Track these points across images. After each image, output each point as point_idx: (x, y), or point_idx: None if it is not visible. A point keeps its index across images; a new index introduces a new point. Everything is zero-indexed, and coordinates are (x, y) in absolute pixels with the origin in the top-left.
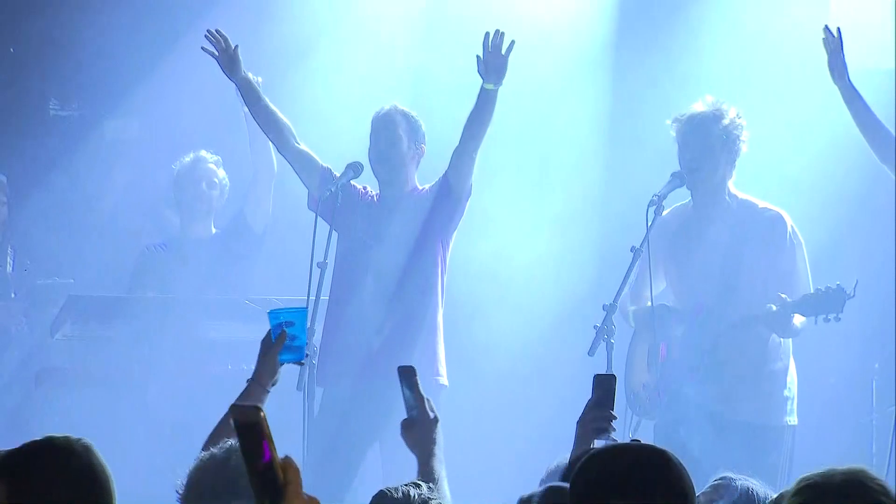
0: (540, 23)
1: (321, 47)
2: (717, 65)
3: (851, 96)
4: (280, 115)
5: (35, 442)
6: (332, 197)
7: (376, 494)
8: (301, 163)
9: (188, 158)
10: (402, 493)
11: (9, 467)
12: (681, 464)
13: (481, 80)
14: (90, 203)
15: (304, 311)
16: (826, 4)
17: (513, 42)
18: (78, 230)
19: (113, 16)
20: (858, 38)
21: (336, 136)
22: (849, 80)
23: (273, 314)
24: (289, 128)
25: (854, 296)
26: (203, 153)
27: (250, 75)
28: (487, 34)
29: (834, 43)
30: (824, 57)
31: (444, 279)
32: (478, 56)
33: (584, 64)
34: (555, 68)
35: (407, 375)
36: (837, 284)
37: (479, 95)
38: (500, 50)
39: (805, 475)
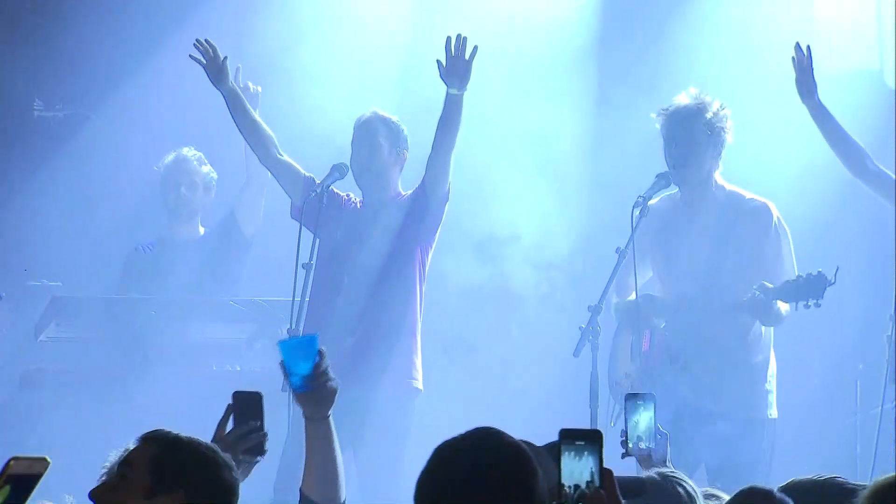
0: (523, 23)
1: (308, 48)
2: (701, 64)
3: (822, 114)
4: (264, 126)
5: (203, 441)
6: (317, 198)
7: None
8: (283, 173)
9: (169, 158)
10: None
11: (167, 441)
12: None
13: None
14: (77, 204)
15: (297, 341)
16: (810, 4)
17: (476, 47)
18: (64, 231)
19: (98, 15)
20: (842, 40)
21: (322, 138)
22: (818, 99)
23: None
24: (272, 139)
25: (834, 282)
26: (184, 151)
27: (250, 84)
28: (449, 39)
29: (804, 61)
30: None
31: (423, 284)
32: (438, 61)
33: (568, 65)
34: (538, 69)
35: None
36: (819, 271)
37: (445, 101)
38: (464, 55)
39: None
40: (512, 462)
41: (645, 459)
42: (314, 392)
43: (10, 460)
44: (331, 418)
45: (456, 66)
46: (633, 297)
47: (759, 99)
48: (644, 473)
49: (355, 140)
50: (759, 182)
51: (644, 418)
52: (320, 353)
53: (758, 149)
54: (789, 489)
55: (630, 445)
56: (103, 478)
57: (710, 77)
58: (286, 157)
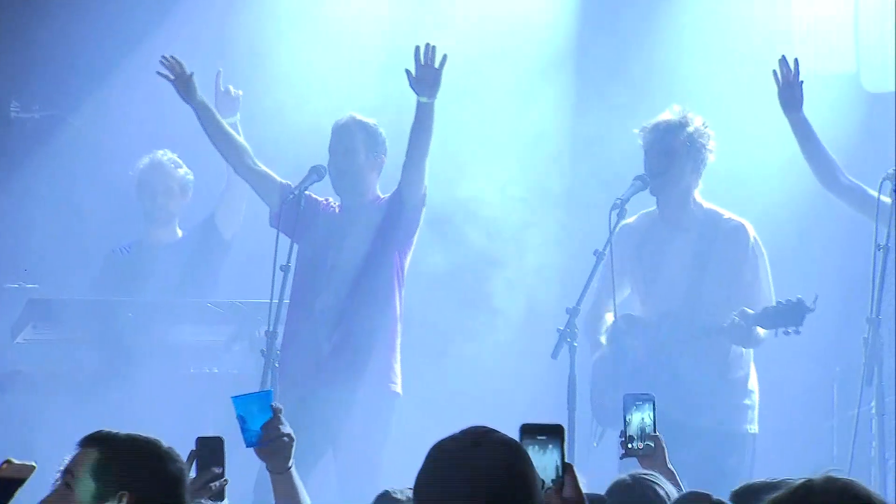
0: (502, 25)
1: (288, 49)
2: (678, 67)
3: (804, 128)
4: (236, 136)
5: (143, 436)
6: (294, 201)
7: (380, 494)
8: (260, 182)
9: (143, 163)
10: (408, 496)
11: (107, 442)
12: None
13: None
14: (55, 205)
15: (251, 396)
16: (788, 6)
17: (445, 56)
18: (42, 233)
19: (75, 16)
20: (820, 42)
21: (304, 139)
22: (803, 114)
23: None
24: (246, 149)
25: (814, 310)
26: (159, 155)
27: (231, 89)
28: (418, 48)
29: (790, 76)
30: (789, 55)
31: (402, 288)
32: (407, 70)
33: (546, 68)
34: (517, 72)
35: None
36: (798, 298)
37: (416, 109)
38: (434, 64)
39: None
40: (510, 459)
41: (646, 460)
42: (268, 447)
43: (3, 463)
44: (293, 470)
45: (426, 74)
46: (610, 315)
47: (737, 101)
48: (620, 475)
49: (332, 144)
50: (736, 184)
51: (636, 418)
52: (273, 408)
53: (736, 150)
54: (742, 492)
55: (630, 446)
56: (58, 481)
57: (688, 78)
58: (261, 166)
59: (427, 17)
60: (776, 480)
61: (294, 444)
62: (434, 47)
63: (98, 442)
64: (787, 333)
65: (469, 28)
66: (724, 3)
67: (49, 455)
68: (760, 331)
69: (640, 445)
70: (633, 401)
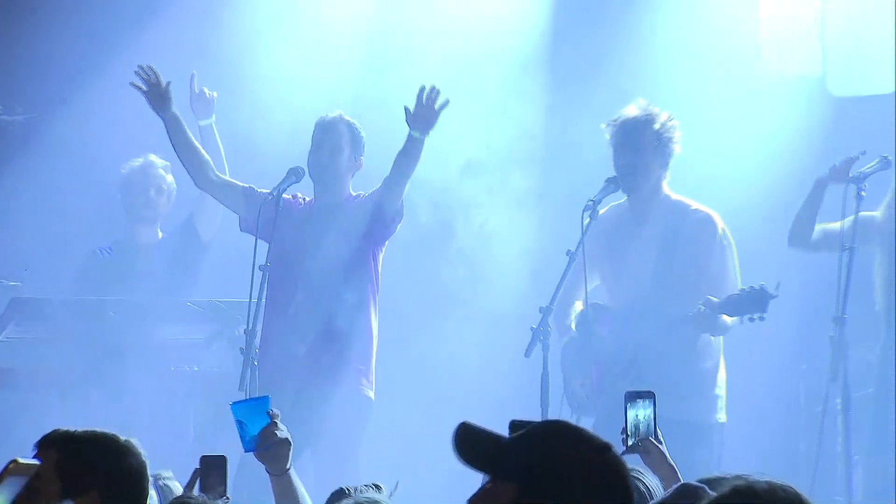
0: (477, 27)
1: (267, 49)
2: (649, 69)
3: (820, 196)
4: (202, 150)
5: (100, 431)
6: (273, 202)
7: (335, 492)
8: (223, 192)
9: (137, 162)
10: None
11: (66, 441)
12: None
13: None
14: (38, 206)
15: (248, 403)
16: (754, 9)
17: (447, 101)
18: (26, 232)
19: (58, 18)
20: (787, 45)
21: (283, 139)
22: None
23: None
24: (209, 163)
25: (777, 296)
26: (152, 157)
27: (206, 90)
28: (423, 88)
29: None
30: (756, 58)
31: (377, 289)
32: (406, 108)
33: (521, 69)
34: (492, 73)
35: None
36: (761, 285)
37: (406, 141)
38: (434, 105)
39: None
40: (610, 464)
41: (647, 457)
42: (265, 451)
43: (10, 463)
44: (292, 471)
45: (424, 114)
46: (579, 303)
47: (706, 102)
48: None
49: (317, 140)
50: (703, 184)
51: (630, 415)
52: (270, 413)
53: (704, 152)
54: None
55: (629, 443)
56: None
57: (659, 79)
58: (222, 177)
59: (404, 18)
60: (732, 476)
61: (292, 447)
62: (438, 91)
63: (57, 442)
64: (752, 320)
65: (445, 29)
66: (692, 6)
67: (29, 453)
68: (727, 318)
69: (638, 442)
70: (630, 398)
